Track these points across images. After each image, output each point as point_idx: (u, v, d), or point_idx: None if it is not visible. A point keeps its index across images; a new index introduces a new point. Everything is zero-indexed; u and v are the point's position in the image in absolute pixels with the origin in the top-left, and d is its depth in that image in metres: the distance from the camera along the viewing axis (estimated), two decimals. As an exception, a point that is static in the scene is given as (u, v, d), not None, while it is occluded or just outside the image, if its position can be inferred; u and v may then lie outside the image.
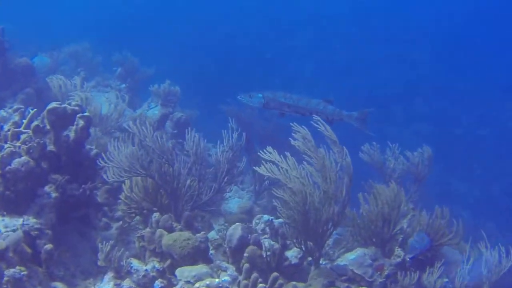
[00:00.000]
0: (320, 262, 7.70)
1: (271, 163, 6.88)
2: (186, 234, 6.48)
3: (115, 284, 6.06)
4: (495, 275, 7.47)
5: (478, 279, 7.58)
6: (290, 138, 7.02)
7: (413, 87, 27.85)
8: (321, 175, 6.95)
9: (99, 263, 6.29)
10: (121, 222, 7.72)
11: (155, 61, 17.81)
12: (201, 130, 10.10)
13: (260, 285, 5.46)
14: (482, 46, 33.52)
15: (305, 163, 6.95)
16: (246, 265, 6.11)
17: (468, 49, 32.76)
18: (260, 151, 6.92)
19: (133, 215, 7.54)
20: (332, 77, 27.74)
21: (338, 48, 31.23)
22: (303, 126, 7.04)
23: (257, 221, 8.66)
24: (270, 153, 6.85)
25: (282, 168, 6.86)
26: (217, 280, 4.97)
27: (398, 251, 7.63)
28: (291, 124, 7.12)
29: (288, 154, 6.91)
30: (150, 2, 36.48)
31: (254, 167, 7.30)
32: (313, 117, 7.33)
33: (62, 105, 7.05)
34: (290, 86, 25.70)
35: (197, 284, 4.85)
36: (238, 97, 8.92)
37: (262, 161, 6.93)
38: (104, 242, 6.36)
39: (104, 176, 7.22)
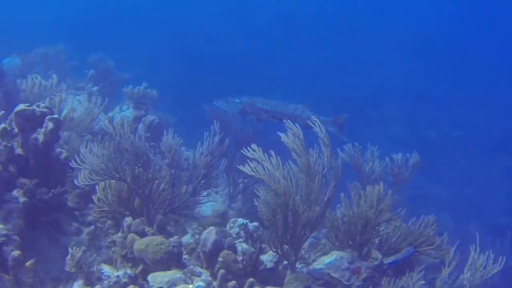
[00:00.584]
0: (296, 266, 7.58)
1: (255, 162, 6.75)
2: (159, 238, 6.30)
3: (85, 292, 5.87)
4: (477, 279, 7.45)
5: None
6: (279, 133, 6.93)
7: (387, 90, 27.93)
8: (306, 177, 6.83)
9: (67, 268, 6.07)
10: (92, 227, 7.50)
11: (133, 66, 17.70)
12: (176, 134, 9.97)
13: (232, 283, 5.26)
14: (456, 48, 33.76)
15: (290, 162, 6.84)
16: (222, 271, 5.96)
17: (441, 52, 33.00)
18: (244, 150, 6.78)
19: (105, 219, 7.33)
20: (307, 79, 27.73)
21: (312, 51, 31.23)
22: (296, 124, 6.96)
23: (231, 224, 8.51)
24: (254, 151, 6.71)
25: (266, 167, 6.71)
26: (190, 286, 4.79)
27: (375, 254, 7.56)
28: (284, 121, 7.05)
29: (272, 152, 6.79)
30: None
31: (238, 166, 7.11)
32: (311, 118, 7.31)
33: (31, 107, 6.87)
34: (265, 89, 25.72)
35: (169, 290, 4.67)
36: (215, 102, 8.83)
37: (247, 161, 6.80)
38: (74, 247, 6.15)
39: (76, 181, 7.01)
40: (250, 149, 6.77)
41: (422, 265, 7.73)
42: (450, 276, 7.97)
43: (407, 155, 9.66)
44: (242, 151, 6.86)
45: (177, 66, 26.60)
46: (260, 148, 6.75)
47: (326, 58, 30.47)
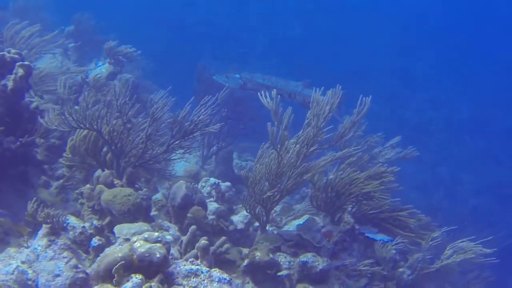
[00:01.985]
0: (267, 228, 7.52)
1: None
2: (127, 190, 6.12)
3: (49, 240, 5.67)
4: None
5: None
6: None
7: (366, 67, 27.86)
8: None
9: (26, 217, 5.88)
10: (61, 180, 7.31)
11: (117, 29, 17.39)
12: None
13: (204, 241, 5.13)
14: (436, 30, 33.77)
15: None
16: (193, 227, 5.82)
17: (422, 32, 32.98)
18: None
19: (74, 169, 7.13)
20: (285, 51, 27.59)
21: (291, 23, 31.05)
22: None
23: (203, 184, 8.43)
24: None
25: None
26: (156, 233, 4.65)
27: (348, 218, 7.49)
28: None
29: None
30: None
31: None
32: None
33: (1, 52, 6.63)
34: (243, 60, 25.55)
35: (134, 238, 4.52)
36: (214, 77, 8.72)
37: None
38: (35, 198, 5.95)
39: (42, 121, 6.74)
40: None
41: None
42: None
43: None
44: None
45: (160, 33, 26.32)
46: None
47: (307, 32, 30.28)
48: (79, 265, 5.32)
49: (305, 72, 24.89)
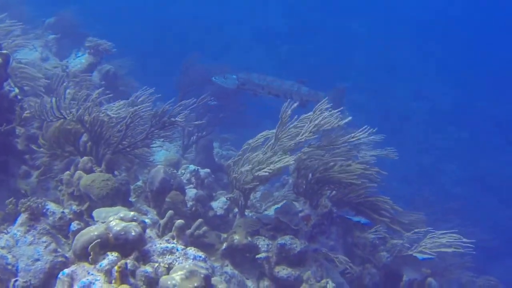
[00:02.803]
0: (247, 214, 7.62)
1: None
2: (106, 175, 6.18)
3: (28, 226, 5.72)
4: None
5: None
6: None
7: (350, 57, 28.01)
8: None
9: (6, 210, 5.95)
10: (41, 169, 7.35)
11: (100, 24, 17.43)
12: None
13: (180, 221, 5.22)
14: (420, 21, 33.94)
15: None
16: (170, 212, 5.87)
17: (406, 24, 33.14)
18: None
19: (52, 158, 7.17)
20: (269, 42, 27.67)
21: (275, 14, 31.11)
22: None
23: (183, 171, 8.52)
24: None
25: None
26: (132, 212, 4.74)
27: (325, 201, 7.60)
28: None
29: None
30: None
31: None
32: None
33: (-23, 42, 6.67)
34: (226, 52, 25.60)
35: (110, 218, 4.60)
36: (213, 78, 8.76)
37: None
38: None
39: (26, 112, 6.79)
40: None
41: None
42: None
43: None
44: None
45: (144, 27, 26.29)
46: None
47: (290, 23, 30.36)
48: (59, 249, 5.37)
49: (289, 64, 25.11)
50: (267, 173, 6.57)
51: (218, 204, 7.90)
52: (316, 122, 6.77)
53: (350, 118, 8.86)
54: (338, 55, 28.01)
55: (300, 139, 6.74)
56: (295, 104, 6.90)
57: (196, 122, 7.54)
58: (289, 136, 6.92)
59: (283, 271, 6.60)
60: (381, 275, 8.03)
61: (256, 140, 7.31)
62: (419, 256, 7.92)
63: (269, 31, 29.35)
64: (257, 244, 6.79)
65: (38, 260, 5.21)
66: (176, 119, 7.11)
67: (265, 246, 6.81)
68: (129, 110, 7.21)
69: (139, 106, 7.12)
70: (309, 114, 7.00)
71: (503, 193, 22.06)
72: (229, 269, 6.56)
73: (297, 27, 30.06)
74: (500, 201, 21.95)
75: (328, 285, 6.54)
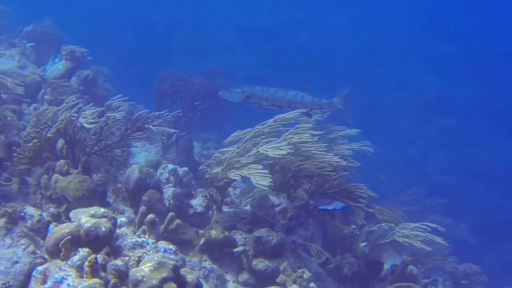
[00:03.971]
0: (226, 210, 7.75)
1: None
2: (82, 176, 6.29)
3: (6, 229, 5.83)
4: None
5: None
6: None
7: (333, 51, 28.17)
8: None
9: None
10: (20, 177, 7.44)
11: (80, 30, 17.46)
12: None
13: (151, 215, 5.33)
14: (402, 11, 34.10)
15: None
16: (143, 208, 6.00)
17: (388, 15, 33.30)
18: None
19: (30, 165, 7.26)
20: (253, 41, 27.78)
21: (259, 13, 31.21)
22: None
23: (161, 170, 8.64)
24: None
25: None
26: (102, 209, 4.86)
27: (301, 193, 7.72)
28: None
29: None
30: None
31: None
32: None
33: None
34: (210, 51, 25.70)
35: (81, 216, 4.72)
36: (220, 93, 8.77)
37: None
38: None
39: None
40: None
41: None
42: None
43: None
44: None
45: (126, 33, 26.35)
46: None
47: (272, 20, 30.47)
48: (37, 251, 5.47)
49: (274, 61, 25.23)
50: (238, 178, 6.68)
51: (198, 202, 8.00)
52: (293, 141, 6.91)
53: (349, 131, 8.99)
54: (322, 50, 28.17)
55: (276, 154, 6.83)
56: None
57: (171, 130, 7.55)
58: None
59: (260, 264, 6.73)
60: (361, 264, 8.15)
61: (230, 140, 7.42)
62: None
63: (252, 30, 29.45)
64: (234, 238, 6.93)
65: (17, 262, 5.29)
66: (150, 126, 7.20)
67: (242, 239, 6.95)
68: (104, 117, 7.31)
69: (112, 114, 7.19)
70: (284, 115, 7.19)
71: (491, 181, 22.25)
72: (207, 264, 6.67)
73: (280, 24, 30.18)
74: (488, 189, 22.13)
75: (304, 275, 6.67)
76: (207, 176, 7.29)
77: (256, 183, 6.39)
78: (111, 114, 7.22)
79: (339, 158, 7.64)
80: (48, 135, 6.99)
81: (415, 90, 27.41)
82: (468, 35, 32.52)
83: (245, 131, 7.26)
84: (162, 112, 7.43)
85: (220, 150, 7.31)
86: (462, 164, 23.15)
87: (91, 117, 7.29)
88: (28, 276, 5.08)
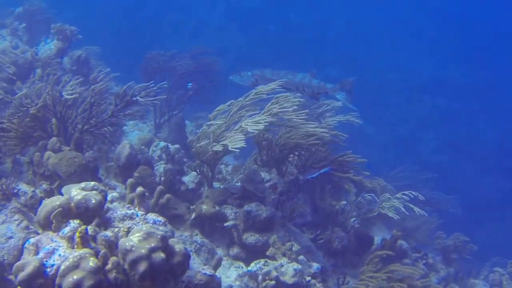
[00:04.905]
0: (218, 186, 7.85)
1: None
2: (73, 153, 6.36)
3: (0, 205, 5.94)
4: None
5: None
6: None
7: (324, 32, 28.14)
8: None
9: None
10: (13, 156, 7.50)
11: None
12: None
13: (140, 188, 5.41)
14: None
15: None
16: (131, 180, 6.05)
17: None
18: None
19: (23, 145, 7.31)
20: (243, 21, 27.70)
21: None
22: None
23: (154, 148, 8.72)
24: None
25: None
26: (92, 182, 4.94)
27: (291, 169, 7.83)
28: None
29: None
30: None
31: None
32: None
33: None
34: (200, 32, 25.63)
35: (72, 189, 4.81)
36: (230, 77, 8.78)
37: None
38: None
39: None
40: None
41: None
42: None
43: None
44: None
45: (116, 11, 26.19)
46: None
47: (266, 2, 30.37)
48: (31, 226, 5.58)
49: (265, 42, 25.21)
50: (220, 148, 6.77)
51: (189, 179, 8.10)
52: (274, 111, 6.98)
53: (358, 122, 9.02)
54: (314, 30, 28.14)
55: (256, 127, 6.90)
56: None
57: (156, 98, 7.58)
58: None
59: (251, 238, 6.86)
60: (351, 238, 8.29)
61: (215, 114, 7.48)
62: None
63: (242, 10, 29.37)
64: (225, 213, 7.04)
65: (11, 237, 5.40)
66: (138, 98, 7.26)
67: (233, 214, 7.06)
68: (90, 89, 7.36)
69: (99, 84, 7.26)
70: (264, 87, 7.28)
71: (482, 161, 22.39)
72: (198, 238, 6.79)
73: (270, 4, 30.07)
74: (479, 168, 22.28)
75: (293, 247, 6.79)
76: (193, 150, 7.38)
77: (231, 148, 6.53)
78: (95, 86, 7.27)
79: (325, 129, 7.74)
80: (31, 111, 7.05)
81: (406, 70, 27.46)
82: (461, 18, 32.52)
83: (229, 103, 7.32)
84: (147, 84, 7.46)
85: (207, 123, 7.37)
86: (453, 144, 23.29)
87: (70, 89, 7.34)
88: (22, 251, 5.18)
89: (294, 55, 23.67)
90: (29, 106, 7.07)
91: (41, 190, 6.30)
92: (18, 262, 4.14)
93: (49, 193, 6.27)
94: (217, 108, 7.46)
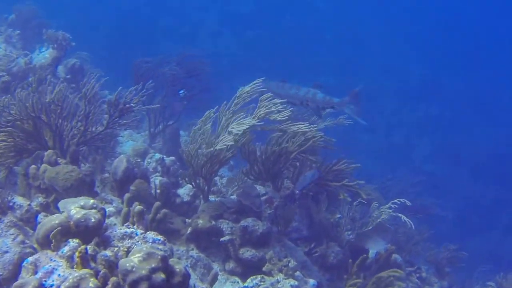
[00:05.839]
0: (213, 199, 7.83)
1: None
2: (70, 166, 6.34)
3: (-4, 219, 5.90)
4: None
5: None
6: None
7: (317, 36, 28.19)
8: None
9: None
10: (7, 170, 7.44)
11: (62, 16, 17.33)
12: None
13: (138, 206, 5.40)
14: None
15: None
16: (127, 195, 6.06)
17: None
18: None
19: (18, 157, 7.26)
20: (237, 27, 27.74)
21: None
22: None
23: (149, 160, 8.69)
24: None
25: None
26: (92, 200, 4.92)
27: (287, 183, 7.82)
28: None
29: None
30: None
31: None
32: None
33: None
34: (193, 37, 25.62)
35: (71, 207, 4.79)
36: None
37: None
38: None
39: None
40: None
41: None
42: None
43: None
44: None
45: (109, 17, 26.10)
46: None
47: (260, 8, 30.38)
48: (26, 241, 5.53)
49: (257, 47, 25.20)
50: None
51: (185, 191, 8.07)
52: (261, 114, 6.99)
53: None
54: (306, 34, 28.19)
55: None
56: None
57: (150, 106, 7.59)
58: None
59: (247, 253, 6.84)
60: (346, 252, 8.28)
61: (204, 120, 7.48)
62: None
63: (236, 16, 29.37)
64: (221, 227, 7.02)
65: (6, 252, 5.35)
66: (131, 104, 7.23)
67: (229, 229, 7.04)
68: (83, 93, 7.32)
69: (90, 86, 7.22)
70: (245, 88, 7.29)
71: (475, 168, 22.47)
72: (194, 253, 6.76)
73: (264, 9, 30.09)
74: (472, 176, 22.36)
75: (290, 264, 6.78)
76: (184, 155, 7.43)
77: (219, 147, 6.82)
78: (86, 89, 7.24)
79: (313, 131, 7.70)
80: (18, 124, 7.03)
81: (399, 76, 27.53)
82: (454, 24, 32.67)
83: (216, 108, 7.46)
84: (137, 86, 7.43)
85: (195, 127, 7.39)
86: (446, 151, 23.37)
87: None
88: (17, 266, 5.13)
89: (287, 60, 23.67)
90: (17, 117, 7.00)
91: (37, 203, 6.24)
92: (17, 282, 4.11)
93: (45, 207, 6.23)
94: (205, 115, 7.45)
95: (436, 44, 30.37)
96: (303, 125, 7.46)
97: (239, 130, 6.80)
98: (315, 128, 7.64)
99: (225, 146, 6.83)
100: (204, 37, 26.59)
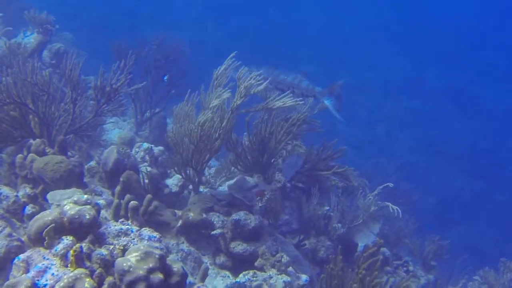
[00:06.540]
0: (202, 190, 7.70)
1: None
2: (59, 157, 6.17)
3: (-19, 211, 5.72)
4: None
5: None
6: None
7: (302, 29, 28.13)
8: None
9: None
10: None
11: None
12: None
13: (133, 202, 5.27)
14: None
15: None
16: (118, 188, 5.92)
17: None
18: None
19: (3, 144, 7.08)
20: (221, 16, 27.57)
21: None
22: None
23: (137, 149, 8.54)
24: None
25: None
26: (85, 195, 4.76)
27: (278, 176, 7.71)
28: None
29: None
30: None
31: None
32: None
33: None
34: (177, 25, 25.40)
35: (64, 202, 4.63)
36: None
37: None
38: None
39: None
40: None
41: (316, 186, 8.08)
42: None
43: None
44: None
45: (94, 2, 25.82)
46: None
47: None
48: (13, 233, 5.35)
49: (242, 37, 25.07)
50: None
51: (173, 181, 7.94)
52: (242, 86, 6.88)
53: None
54: (291, 26, 28.11)
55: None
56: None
57: (135, 87, 7.43)
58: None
59: (238, 247, 6.73)
60: (336, 246, 8.19)
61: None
62: None
63: (220, 3, 29.18)
64: (211, 221, 6.89)
65: (-8, 245, 5.19)
66: (118, 85, 7.07)
67: (220, 222, 6.91)
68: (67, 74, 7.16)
69: (68, 68, 7.05)
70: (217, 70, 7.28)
71: (456, 162, 22.62)
72: (185, 246, 6.65)
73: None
74: (452, 169, 22.51)
75: (283, 259, 6.69)
76: (170, 139, 7.35)
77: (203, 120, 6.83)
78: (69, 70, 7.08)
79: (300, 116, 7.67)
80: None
81: (382, 70, 27.58)
82: (437, 19, 32.76)
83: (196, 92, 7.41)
84: (118, 62, 7.26)
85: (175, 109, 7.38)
86: (427, 145, 23.49)
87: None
88: (4, 259, 4.97)
89: (272, 50, 23.56)
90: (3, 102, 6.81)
91: (24, 194, 6.05)
92: (8, 281, 3.95)
93: (33, 198, 6.05)
94: (179, 106, 7.37)
95: (419, 39, 30.43)
96: (288, 99, 7.22)
97: (216, 104, 6.73)
98: (302, 102, 7.50)
99: (206, 118, 6.70)
100: (188, 25, 26.37)
